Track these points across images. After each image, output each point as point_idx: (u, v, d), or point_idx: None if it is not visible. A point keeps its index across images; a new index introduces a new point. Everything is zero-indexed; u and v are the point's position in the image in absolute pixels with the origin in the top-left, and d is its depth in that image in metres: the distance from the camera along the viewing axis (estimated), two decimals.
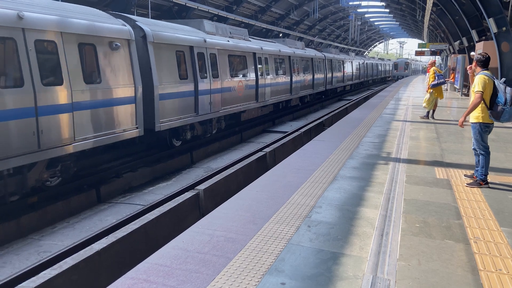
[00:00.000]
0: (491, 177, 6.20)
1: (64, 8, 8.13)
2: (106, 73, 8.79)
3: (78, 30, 8.07)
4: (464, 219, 4.57)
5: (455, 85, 25.38)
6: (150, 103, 10.26)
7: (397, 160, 7.29)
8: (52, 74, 7.54)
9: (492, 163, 6.95)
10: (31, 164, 7.39)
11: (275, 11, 37.66)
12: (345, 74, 34.31)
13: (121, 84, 9.19)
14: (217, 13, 26.77)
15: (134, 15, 18.24)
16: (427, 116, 12.50)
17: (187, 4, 23.12)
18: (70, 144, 7.82)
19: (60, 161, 8.17)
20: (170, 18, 22.90)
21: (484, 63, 5.81)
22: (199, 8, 24.22)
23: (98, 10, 9.40)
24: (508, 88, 5.43)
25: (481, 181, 5.88)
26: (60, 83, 7.66)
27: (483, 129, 5.75)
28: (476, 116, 5.76)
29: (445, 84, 20.13)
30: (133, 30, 9.70)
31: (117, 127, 9.00)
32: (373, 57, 66.57)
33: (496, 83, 5.59)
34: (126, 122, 9.26)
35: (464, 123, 5.98)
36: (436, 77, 12.26)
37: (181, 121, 11.54)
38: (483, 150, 5.79)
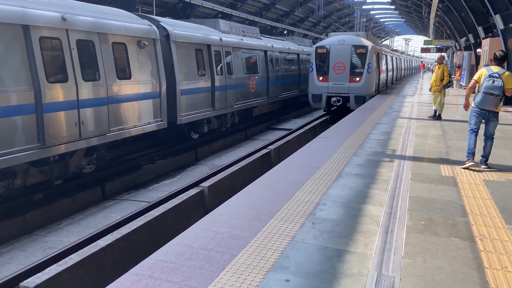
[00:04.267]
0: (498, 174, 6.17)
1: (98, 10, 8.80)
2: (135, 69, 9.48)
3: (111, 30, 8.74)
4: (469, 217, 4.54)
5: (461, 82, 25.22)
6: (172, 98, 10.96)
7: (402, 157, 7.25)
8: (90, 71, 8.22)
9: (498, 161, 6.96)
10: (72, 152, 8.13)
11: (280, 8, 37.56)
12: None
13: (148, 80, 9.91)
14: (221, 10, 26.73)
15: (139, 12, 18.30)
16: (434, 116, 12.20)
17: (191, 1, 23.09)
18: (106, 134, 8.54)
19: (96, 150, 8.86)
20: (174, 15, 22.90)
21: (498, 60, 6.48)
22: (203, 5, 24.19)
23: (126, 11, 10.09)
24: (486, 78, 6.26)
25: (466, 161, 6.56)
26: (98, 79, 8.34)
27: (473, 113, 6.59)
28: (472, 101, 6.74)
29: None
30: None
31: (144, 120, 9.76)
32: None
33: (485, 76, 6.33)
34: (152, 115, 10.02)
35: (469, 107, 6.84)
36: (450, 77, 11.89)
37: (199, 115, 12.22)
38: (469, 129, 6.66)
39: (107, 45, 8.63)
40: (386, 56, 23.05)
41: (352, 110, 14.54)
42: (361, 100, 16.78)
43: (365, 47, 17.09)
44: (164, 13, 23.67)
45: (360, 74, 16.97)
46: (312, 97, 17.61)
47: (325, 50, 17.40)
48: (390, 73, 26.02)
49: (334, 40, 17.62)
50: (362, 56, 17.03)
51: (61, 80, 7.52)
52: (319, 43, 18.09)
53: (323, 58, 17.50)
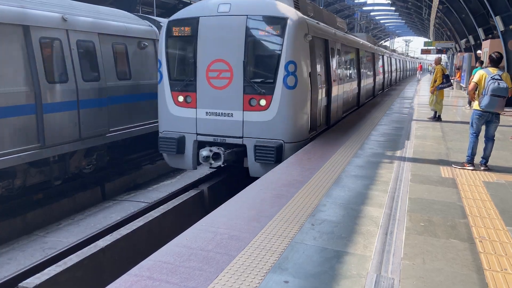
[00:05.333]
0: (497, 176, 6.17)
1: (98, 11, 8.83)
2: (135, 70, 9.49)
3: (112, 31, 8.78)
4: (469, 218, 4.53)
5: (461, 84, 25.21)
6: None
7: (402, 158, 7.25)
8: (91, 71, 8.24)
9: (498, 162, 6.96)
10: (72, 152, 8.15)
11: None
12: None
13: (148, 80, 9.92)
14: None
15: (139, 12, 18.32)
16: (434, 117, 12.14)
17: (191, 2, 23.11)
18: (105, 135, 8.57)
19: (96, 150, 8.89)
20: None
21: (495, 62, 6.49)
22: None
23: (126, 12, 10.15)
24: (490, 81, 6.21)
25: (465, 163, 6.60)
26: (97, 79, 8.37)
27: (476, 116, 6.54)
28: (474, 104, 6.70)
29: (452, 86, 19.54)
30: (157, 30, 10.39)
31: (144, 120, 9.79)
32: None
33: (487, 78, 6.30)
34: (152, 116, 9.97)
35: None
36: (444, 79, 11.58)
37: None
38: (471, 133, 6.65)
39: (107, 45, 8.66)
40: (358, 50, 13.44)
41: (256, 178, 6.16)
42: (271, 154, 7.23)
43: (281, 20, 7.22)
44: (164, 13, 23.69)
45: (270, 88, 7.29)
46: (162, 143, 7.76)
47: (188, 29, 7.59)
48: (365, 83, 15.17)
49: (210, 7, 7.60)
50: (274, 43, 7.41)
51: (61, 80, 7.55)
52: (177, 14, 8.00)
53: (185, 50, 7.91)
